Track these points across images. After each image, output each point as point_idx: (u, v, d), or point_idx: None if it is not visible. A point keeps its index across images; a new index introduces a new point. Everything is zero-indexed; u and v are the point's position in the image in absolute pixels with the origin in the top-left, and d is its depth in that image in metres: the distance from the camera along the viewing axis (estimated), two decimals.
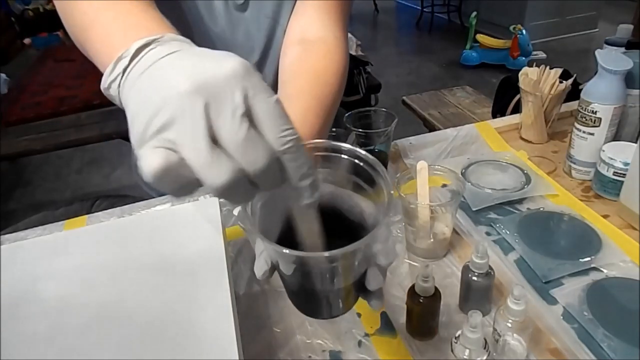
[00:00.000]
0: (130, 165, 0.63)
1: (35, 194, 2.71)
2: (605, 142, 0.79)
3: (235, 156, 0.27)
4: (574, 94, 0.91)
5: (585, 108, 0.78)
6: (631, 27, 1.01)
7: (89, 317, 0.48)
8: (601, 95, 0.76)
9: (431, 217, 0.65)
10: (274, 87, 0.65)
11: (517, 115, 1.00)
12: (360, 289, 0.38)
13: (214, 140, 0.27)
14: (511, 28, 3.71)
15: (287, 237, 0.37)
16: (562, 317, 0.57)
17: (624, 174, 0.73)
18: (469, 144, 0.96)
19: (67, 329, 0.46)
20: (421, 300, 0.53)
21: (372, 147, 0.84)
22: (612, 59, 0.75)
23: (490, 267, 0.56)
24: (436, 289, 0.53)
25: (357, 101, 2.48)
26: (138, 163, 0.28)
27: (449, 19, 5.23)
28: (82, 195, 2.57)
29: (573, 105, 0.91)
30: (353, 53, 2.54)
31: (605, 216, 0.74)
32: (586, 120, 0.79)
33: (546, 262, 0.64)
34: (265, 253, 0.37)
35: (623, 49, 0.93)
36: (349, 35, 2.91)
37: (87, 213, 0.84)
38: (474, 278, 0.56)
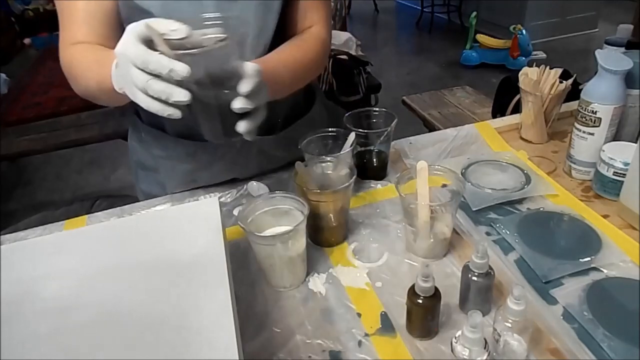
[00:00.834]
0: (130, 165, 0.64)
1: (35, 194, 2.71)
2: (605, 142, 0.79)
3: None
4: (574, 94, 0.91)
5: (585, 108, 0.78)
6: (631, 27, 1.01)
7: (88, 317, 0.48)
8: (601, 95, 0.76)
9: (431, 217, 0.65)
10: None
11: (517, 115, 1.00)
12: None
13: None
14: (511, 28, 3.71)
15: None
16: (562, 317, 0.57)
17: (624, 174, 0.73)
18: (469, 144, 0.96)
19: (67, 329, 0.46)
20: (421, 300, 0.53)
21: (372, 147, 0.84)
22: (612, 59, 0.75)
23: (490, 267, 0.56)
24: (436, 289, 0.53)
25: (357, 101, 2.48)
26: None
27: (449, 19, 5.23)
28: (82, 195, 2.56)
29: (573, 105, 0.91)
30: (353, 53, 2.54)
31: (605, 216, 0.74)
32: (586, 120, 0.79)
33: (546, 262, 0.64)
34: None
35: (623, 49, 0.93)
36: (349, 35, 2.91)
37: (87, 213, 0.84)
38: (474, 278, 0.56)
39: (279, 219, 0.67)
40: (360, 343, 0.56)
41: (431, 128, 2.13)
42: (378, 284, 0.65)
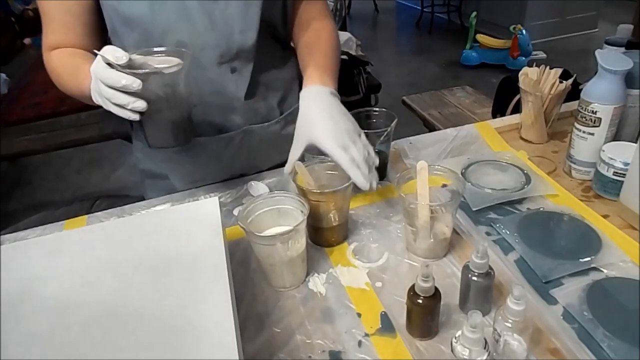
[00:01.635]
0: (130, 165, 0.65)
1: (35, 194, 2.71)
2: (605, 142, 0.79)
3: None
4: (574, 94, 0.91)
5: (585, 108, 0.78)
6: (631, 27, 1.01)
7: (88, 317, 0.48)
8: (601, 95, 0.76)
9: (431, 217, 0.65)
10: (252, 52, 0.79)
11: (517, 115, 1.00)
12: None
13: None
14: (511, 28, 3.71)
15: None
16: (562, 317, 0.57)
17: (624, 174, 0.73)
18: (469, 144, 0.96)
19: (67, 328, 0.46)
20: (421, 300, 0.53)
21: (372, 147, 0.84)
22: (612, 59, 0.75)
23: (490, 267, 0.56)
24: (436, 289, 0.53)
25: (357, 101, 2.48)
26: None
27: (449, 19, 5.23)
28: (82, 195, 2.56)
29: (573, 105, 0.91)
30: (353, 53, 2.54)
31: (605, 216, 0.74)
32: (586, 120, 0.79)
33: (546, 262, 0.64)
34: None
35: (623, 49, 0.93)
36: (349, 35, 2.91)
37: (87, 213, 0.84)
38: (474, 278, 0.56)
39: (279, 219, 0.67)
40: (360, 343, 0.56)
41: (431, 128, 2.13)
42: (378, 284, 0.65)
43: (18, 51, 4.76)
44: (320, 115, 0.70)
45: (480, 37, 3.90)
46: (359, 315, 0.60)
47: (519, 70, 0.95)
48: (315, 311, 0.61)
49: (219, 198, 0.80)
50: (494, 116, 1.98)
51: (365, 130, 0.80)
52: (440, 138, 0.98)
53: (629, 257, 0.65)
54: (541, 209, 0.76)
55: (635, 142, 0.70)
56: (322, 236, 0.72)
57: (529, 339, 0.51)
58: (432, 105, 2.31)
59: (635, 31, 1.07)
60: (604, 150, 0.76)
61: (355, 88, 2.49)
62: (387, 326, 0.58)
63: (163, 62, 0.64)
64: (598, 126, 0.78)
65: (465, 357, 0.48)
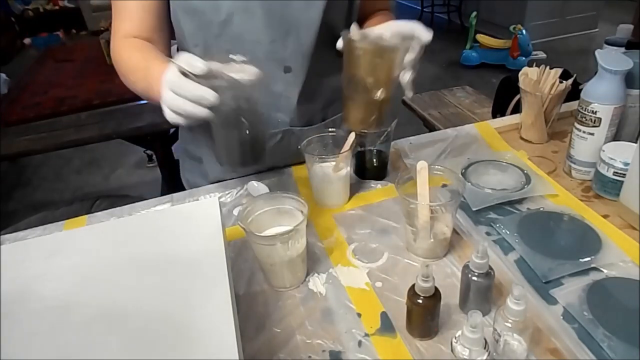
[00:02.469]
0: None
1: (35, 194, 2.71)
2: (605, 142, 0.79)
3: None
4: (574, 94, 0.91)
5: (585, 108, 0.78)
6: (631, 27, 1.01)
7: (88, 317, 0.48)
8: (601, 95, 0.76)
9: (431, 217, 0.65)
10: (309, 53, 0.79)
11: (517, 115, 1.00)
12: None
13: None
14: (511, 28, 3.71)
15: None
16: (562, 317, 0.57)
17: (624, 174, 0.73)
18: (469, 144, 0.96)
19: (67, 329, 0.46)
20: (421, 301, 0.53)
21: (372, 147, 0.84)
22: (612, 59, 0.75)
23: (490, 267, 0.56)
24: (436, 289, 0.53)
25: None
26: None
27: (449, 19, 5.23)
28: (82, 195, 2.57)
29: (573, 105, 0.91)
30: None
31: (605, 216, 0.74)
32: (586, 120, 0.79)
33: (546, 262, 0.64)
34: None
35: (623, 49, 0.93)
36: None
37: (87, 213, 0.84)
38: (474, 278, 0.56)
39: (279, 219, 0.67)
40: (360, 343, 0.56)
41: (431, 128, 2.13)
42: (378, 284, 0.65)
43: (18, 51, 4.77)
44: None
45: (480, 37, 3.90)
46: (359, 315, 0.60)
47: (519, 70, 0.95)
48: (315, 311, 0.61)
49: (219, 198, 0.80)
50: (494, 116, 1.98)
51: (366, 131, 0.80)
52: (440, 138, 0.98)
53: (629, 257, 0.65)
54: (541, 209, 0.76)
55: (635, 142, 0.70)
56: (363, 113, 0.70)
57: (529, 339, 0.51)
58: (432, 105, 2.31)
59: (635, 31, 1.07)
60: (604, 150, 0.76)
61: None
62: (387, 326, 0.58)
63: (239, 70, 0.60)
64: (598, 126, 0.78)
65: (465, 357, 0.48)
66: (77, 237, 0.61)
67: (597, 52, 0.77)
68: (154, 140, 1.96)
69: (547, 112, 0.92)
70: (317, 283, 0.66)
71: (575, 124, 0.81)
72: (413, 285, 0.54)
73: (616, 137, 0.81)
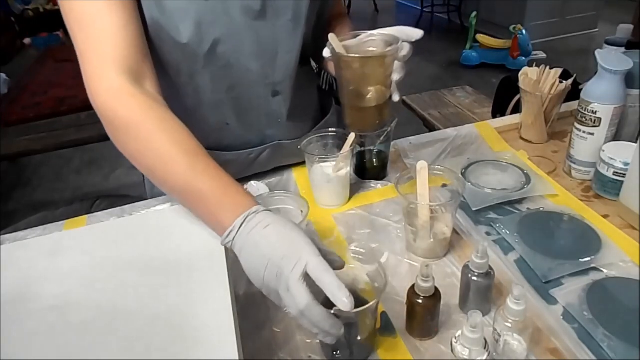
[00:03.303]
0: (130, 165, 0.63)
1: (35, 194, 2.71)
2: (605, 142, 0.78)
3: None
4: (574, 94, 0.91)
5: (585, 108, 0.78)
6: (631, 27, 1.01)
7: (88, 317, 0.48)
8: (601, 95, 0.76)
9: (431, 217, 0.65)
10: (294, 75, 0.76)
11: (517, 115, 1.00)
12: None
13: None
14: (511, 28, 3.71)
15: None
16: (562, 317, 0.57)
17: (624, 174, 0.73)
18: (469, 144, 0.96)
19: (67, 329, 0.46)
20: (421, 300, 0.53)
21: (372, 147, 0.84)
22: (612, 59, 0.75)
23: (490, 267, 0.56)
24: (436, 289, 0.53)
25: None
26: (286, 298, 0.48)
27: (449, 19, 5.23)
28: (82, 195, 2.56)
29: (573, 105, 0.91)
30: None
31: (605, 216, 0.74)
32: (586, 120, 0.79)
33: (546, 262, 0.64)
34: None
35: (623, 49, 0.93)
36: None
37: (87, 213, 0.84)
38: (474, 278, 0.56)
39: None
40: None
41: (431, 128, 2.13)
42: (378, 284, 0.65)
43: (18, 51, 4.77)
44: None
45: (480, 37, 3.90)
46: None
47: (519, 70, 0.95)
48: None
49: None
50: (494, 116, 1.98)
51: (367, 133, 0.80)
52: (440, 138, 0.98)
53: (629, 257, 0.65)
54: (541, 209, 0.76)
55: (635, 142, 0.70)
56: (364, 118, 0.70)
57: (529, 339, 0.51)
58: (432, 105, 2.31)
59: (635, 31, 1.07)
60: (604, 150, 0.76)
61: None
62: (387, 326, 0.58)
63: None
64: (598, 126, 0.78)
65: (465, 357, 0.48)
66: (77, 237, 0.61)
67: (597, 52, 0.77)
68: None
69: (547, 112, 0.92)
70: None
71: (575, 124, 0.81)
72: (413, 285, 0.54)
73: (616, 137, 0.81)
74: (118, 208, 0.84)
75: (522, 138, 0.98)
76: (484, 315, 0.57)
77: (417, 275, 0.53)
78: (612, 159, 0.74)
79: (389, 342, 0.56)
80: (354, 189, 0.84)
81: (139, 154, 0.58)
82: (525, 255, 0.66)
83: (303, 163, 0.85)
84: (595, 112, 0.77)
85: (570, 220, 0.72)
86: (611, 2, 4.70)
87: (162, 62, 0.69)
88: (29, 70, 2.69)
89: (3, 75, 3.27)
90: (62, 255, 0.56)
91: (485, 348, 0.48)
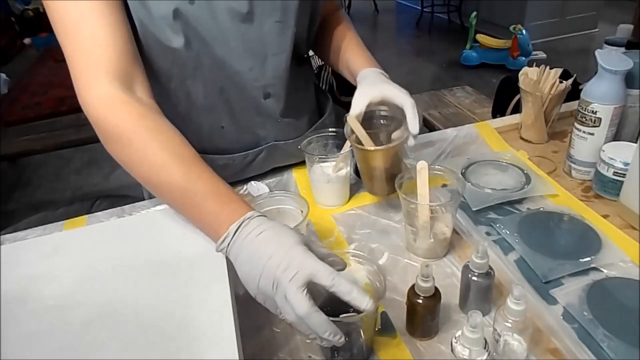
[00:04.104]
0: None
1: (35, 194, 2.71)
2: (605, 142, 0.78)
3: None
4: (574, 94, 0.91)
5: (585, 108, 0.78)
6: (631, 27, 1.01)
7: (88, 317, 0.48)
8: (601, 95, 0.76)
9: (431, 217, 0.65)
10: (285, 76, 0.76)
11: (517, 115, 1.00)
12: None
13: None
14: (511, 28, 3.71)
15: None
16: (562, 317, 0.57)
17: (624, 174, 0.73)
18: (469, 144, 0.96)
19: (67, 329, 0.46)
20: (421, 300, 0.53)
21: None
22: (612, 59, 0.75)
23: (490, 267, 0.56)
24: (436, 289, 0.53)
25: None
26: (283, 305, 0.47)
27: (449, 19, 5.23)
28: (82, 195, 2.56)
29: (573, 105, 0.91)
30: None
31: (605, 216, 0.74)
32: (586, 120, 0.79)
33: (546, 262, 0.64)
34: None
35: (623, 49, 0.93)
36: None
37: (87, 213, 0.84)
38: (474, 278, 0.56)
39: (279, 219, 0.67)
40: None
41: (431, 128, 2.13)
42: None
43: (18, 51, 4.77)
44: (380, 80, 0.75)
45: (480, 37, 3.90)
46: None
47: (519, 70, 0.95)
48: None
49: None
50: (494, 116, 1.98)
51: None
52: (440, 138, 0.98)
53: (629, 257, 0.65)
54: (541, 209, 0.76)
55: (635, 142, 0.70)
56: (382, 186, 0.74)
57: (529, 339, 0.51)
58: (432, 105, 2.31)
59: (635, 31, 1.07)
60: (604, 150, 0.76)
61: (355, 88, 2.49)
62: (387, 326, 0.58)
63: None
64: (598, 126, 0.78)
65: (465, 357, 0.48)
66: (77, 237, 0.61)
67: (597, 52, 0.77)
68: None
69: (547, 112, 0.92)
70: None
71: (575, 124, 0.81)
72: (413, 285, 0.54)
73: (616, 137, 0.81)
74: (118, 208, 0.84)
75: (522, 138, 0.98)
76: (484, 315, 0.57)
77: (417, 275, 0.53)
78: (612, 159, 0.74)
79: (389, 342, 0.56)
80: (354, 189, 0.84)
81: (133, 162, 0.57)
82: (525, 255, 0.66)
83: (303, 163, 0.85)
84: (595, 112, 0.77)
85: (570, 220, 0.72)
86: (611, 2, 4.70)
87: (152, 68, 0.69)
88: (29, 70, 2.69)
89: (3, 75, 3.27)
90: (62, 255, 0.56)
91: (485, 348, 0.48)
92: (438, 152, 0.94)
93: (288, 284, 0.46)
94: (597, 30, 4.62)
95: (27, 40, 4.89)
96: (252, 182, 0.86)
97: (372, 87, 0.73)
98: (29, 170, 2.90)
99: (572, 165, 0.84)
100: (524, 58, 3.73)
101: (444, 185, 0.71)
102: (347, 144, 0.76)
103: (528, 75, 0.92)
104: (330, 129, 0.81)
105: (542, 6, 4.26)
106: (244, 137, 0.81)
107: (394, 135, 0.72)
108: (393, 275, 0.66)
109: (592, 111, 0.78)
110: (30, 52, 4.62)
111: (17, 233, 0.79)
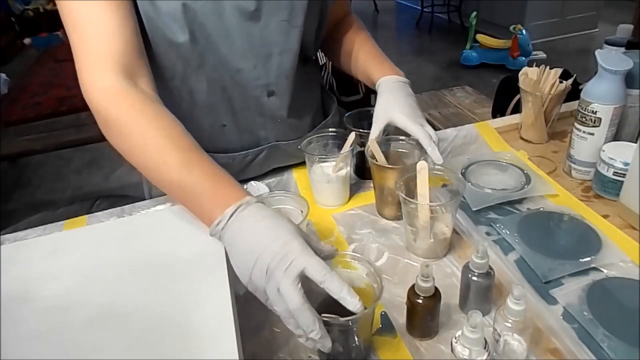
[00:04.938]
0: (130, 165, 0.62)
1: (35, 194, 2.71)
2: (605, 142, 0.78)
3: None
4: (574, 94, 0.91)
5: (585, 108, 0.78)
6: (631, 27, 1.00)
7: (88, 317, 0.48)
8: (601, 95, 0.76)
9: (431, 217, 0.65)
10: (291, 75, 0.76)
11: (517, 115, 1.00)
12: None
13: None
14: (511, 28, 3.71)
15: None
16: (562, 317, 0.57)
17: (624, 174, 0.73)
18: (469, 144, 0.96)
19: (67, 329, 0.46)
20: (421, 300, 0.53)
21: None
22: (612, 59, 0.75)
23: (490, 267, 0.56)
24: (436, 289, 0.53)
25: (357, 101, 2.47)
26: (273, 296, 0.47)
27: (449, 19, 5.23)
28: (82, 195, 2.56)
29: (573, 105, 0.91)
30: None
31: (605, 216, 0.74)
32: (586, 120, 0.79)
33: (546, 262, 0.64)
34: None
35: (623, 49, 0.93)
36: None
37: (87, 213, 0.84)
38: (474, 278, 0.56)
39: None
40: None
41: None
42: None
43: (18, 51, 4.77)
44: (398, 99, 0.75)
45: (480, 37, 3.90)
46: None
47: (519, 70, 0.95)
48: None
49: None
50: (494, 116, 1.98)
51: (366, 131, 0.80)
52: (440, 138, 0.97)
53: (629, 257, 0.65)
54: (541, 209, 0.76)
55: (635, 142, 0.70)
56: (395, 208, 0.75)
57: (529, 339, 0.51)
58: (432, 105, 2.31)
59: (635, 31, 1.07)
60: (604, 150, 0.76)
61: (355, 88, 2.48)
62: (387, 326, 0.58)
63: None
64: (598, 126, 0.78)
65: (465, 357, 0.48)
66: (77, 237, 0.61)
67: (597, 52, 0.77)
68: None
69: (547, 112, 0.92)
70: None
71: (575, 124, 0.81)
72: (413, 285, 0.54)
73: (616, 137, 0.81)
74: (118, 208, 0.84)
75: (522, 138, 0.98)
76: (484, 315, 0.57)
77: (417, 275, 0.53)
78: (612, 159, 0.74)
79: (389, 342, 0.56)
80: (354, 189, 0.84)
81: (132, 151, 0.58)
82: (525, 255, 0.66)
83: (303, 163, 0.85)
84: (595, 112, 0.77)
85: (570, 220, 0.72)
86: (611, 2, 4.71)
87: (157, 65, 0.69)
88: (29, 70, 2.69)
89: (3, 75, 3.27)
90: (62, 255, 0.56)
91: (485, 348, 0.48)
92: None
93: (282, 276, 0.46)
94: (597, 30, 4.62)
95: (27, 40, 4.89)
96: (252, 182, 0.86)
97: (387, 113, 0.74)
98: (29, 170, 2.90)
99: (572, 165, 0.84)
100: (524, 58, 3.73)
101: (444, 185, 0.70)
102: (347, 144, 0.76)
103: (528, 75, 0.92)
104: (330, 129, 0.81)
105: (542, 6, 4.26)
106: (245, 136, 0.81)
107: (419, 164, 0.69)
108: (393, 275, 0.66)
109: (592, 111, 0.78)
110: (30, 52, 4.62)
111: (17, 233, 0.79)
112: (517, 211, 0.76)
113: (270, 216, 0.51)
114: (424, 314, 0.54)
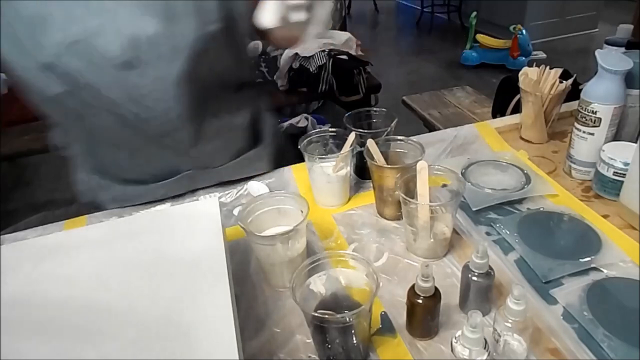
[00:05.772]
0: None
1: (35, 194, 2.71)
2: (605, 142, 0.78)
3: None
4: (574, 94, 0.91)
5: (585, 108, 0.78)
6: (631, 27, 1.01)
7: (89, 317, 0.48)
8: (601, 95, 0.76)
9: (431, 217, 0.65)
10: (190, 110, 0.73)
11: (517, 115, 1.00)
12: None
13: None
14: (511, 28, 3.71)
15: None
16: (562, 317, 0.57)
17: (624, 174, 0.73)
18: (469, 144, 0.96)
19: (67, 329, 0.46)
20: (421, 300, 0.53)
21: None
22: (612, 59, 0.75)
23: (490, 267, 0.56)
24: (436, 289, 0.53)
25: (357, 101, 2.47)
26: None
27: (449, 19, 5.23)
28: None
29: (573, 105, 0.91)
30: (353, 53, 2.53)
31: (605, 216, 0.74)
32: (586, 120, 0.79)
33: (546, 262, 0.64)
34: None
35: (623, 49, 0.93)
36: (349, 35, 2.90)
37: (87, 213, 0.84)
38: (474, 278, 0.56)
39: (279, 219, 0.67)
40: None
41: (431, 128, 2.13)
42: None
43: None
44: None
45: (480, 37, 3.90)
46: None
47: (519, 70, 0.95)
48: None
49: (219, 198, 0.80)
50: (494, 116, 1.98)
51: (366, 131, 0.80)
52: (440, 138, 0.98)
53: (629, 257, 0.65)
54: (541, 209, 0.76)
55: (635, 142, 0.70)
56: (395, 209, 0.75)
57: (529, 339, 0.51)
58: (432, 105, 2.31)
59: (635, 31, 1.07)
60: (604, 150, 0.76)
61: (355, 88, 2.49)
62: (387, 326, 0.58)
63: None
64: (598, 126, 0.78)
65: (465, 357, 0.48)
66: (77, 237, 0.61)
67: (597, 52, 0.77)
68: None
69: (547, 112, 0.92)
70: (317, 283, 0.66)
71: (575, 124, 0.81)
72: (413, 285, 0.54)
73: (616, 137, 0.81)
74: (118, 208, 0.84)
75: (522, 138, 0.98)
76: (484, 315, 0.57)
77: (417, 275, 0.53)
78: (612, 159, 0.74)
79: (389, 342, 0.56)
80: (354, 189, 0.84)
81: None
82: (525, 255, 0.66)
83: (303, 163, 0.85)
84: (595, 112, 0.77)
85: (570, 220, 0.72)
86: (611, 2, 4.71)
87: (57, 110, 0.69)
88: None
89: (3, 75, 3.26)
90: (62, 255, 0.56)
91: (485, 348, 0.48)
92: (438, 152, 0.94)
93: None
94: (597, 30, 4.62)
95: None
96: (252, 182, 0.86)
97: None
98: (29, 170, 2.90)
99: (572, 165, 0.84)
100: (524, 58, 3.73)
101: (444, 185, 0.70)
102: (347, 143, 0.76)
103: (528, 75, 0.92)
104: (330, 129, 0.81)
105: (542, 6, 4.26)
106: (155, 168, 0.81)
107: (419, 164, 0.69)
108: (393, 275, 0.66)
109: (592, 111, 0.78)
110: None
111: (17, 233, 0.79)
112: (517, 211, 0.76)
113: None
114: (424, 314, 0.54)
